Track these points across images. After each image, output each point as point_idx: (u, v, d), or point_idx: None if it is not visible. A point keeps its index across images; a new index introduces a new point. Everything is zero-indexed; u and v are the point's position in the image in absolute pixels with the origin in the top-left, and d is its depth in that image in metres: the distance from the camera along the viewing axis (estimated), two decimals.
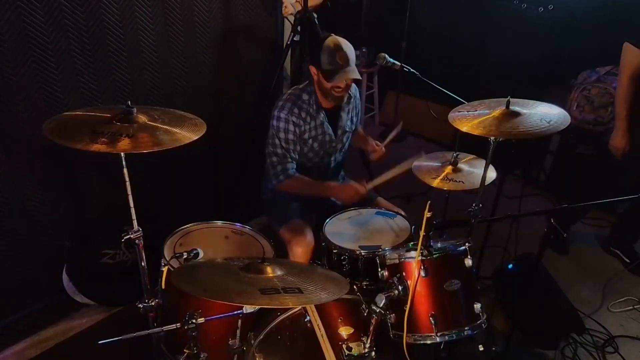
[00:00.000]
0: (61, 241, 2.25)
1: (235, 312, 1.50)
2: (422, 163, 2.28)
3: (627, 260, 2.96)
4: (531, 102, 1.84)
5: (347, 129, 2.31)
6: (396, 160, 2.27)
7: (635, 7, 2.45)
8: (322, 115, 2.18)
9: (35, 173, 2.08)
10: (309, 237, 2.10)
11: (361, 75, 4.38)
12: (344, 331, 1.57)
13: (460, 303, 1.62)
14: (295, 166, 2.19)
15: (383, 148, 2.31)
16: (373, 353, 1.50)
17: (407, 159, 2.12)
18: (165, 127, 1.51)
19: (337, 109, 2.24)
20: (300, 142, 2.17)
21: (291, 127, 2.11)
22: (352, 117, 2.34)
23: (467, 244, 1.67)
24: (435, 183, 2.11)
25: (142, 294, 1.68)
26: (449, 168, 2.17)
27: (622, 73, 2.47)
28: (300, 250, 2.05)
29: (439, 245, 1.64)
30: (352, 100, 2.32)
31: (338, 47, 1.96)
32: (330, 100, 2.13)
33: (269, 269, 1.36)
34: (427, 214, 1.43)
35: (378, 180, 2.11)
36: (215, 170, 2.87)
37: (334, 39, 1.99)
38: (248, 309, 1.48)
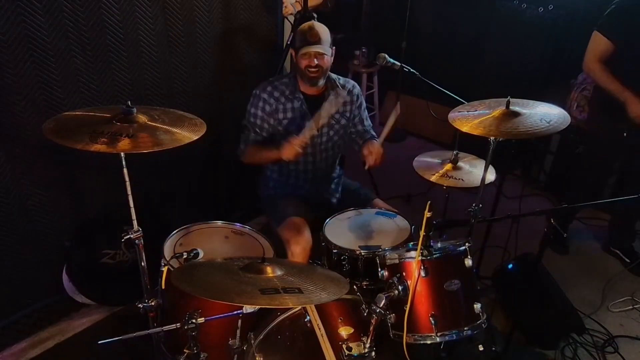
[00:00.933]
0: (61, 241, 2.25)
1: (235, 312, 1.50)
2: (422, 159, 2.28)
3: (627, 260, 2.96)
4: (531, 102, 1.84)
5: (333, 121, 2.26)
6: (397, 160, 2.28)
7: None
8: (299, 98, 2.19)
9: (35, 173, 2.08)
10: (307, 235, 2.10)
11: (361, 76, 4.45)
12: (344, 331, 1.57)
13: (460, 303, 1.62)
14: (257, 139, 2.24)
15: (379, 148, 2.17)
16: (373, 353, 1.50)
17: (406, 156, 2.10)
18: (165, 127, 1.51)
19: (321, 98, 2.21)
20: (274, 121, 2.20)
21: (260, 103, 2.18)
22: (343, 111, 2.29)
23: (467, 244, 1.67)
24: (435, 178, 2.11)
25: (142, 294, 1.68)
26: (448, 165, 2.18)
27: (590, 60, 2.53)
28: (298, 249, 2.05)
29: (439, 245, 1.64)
30: (345, 94, 2.26)
31: (311, 27, 2.08)
32: (306, 81, 2.15)
33: (269, 269, 1.37)
34: (427, 214, 1.43)
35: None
36: (215, 170, 2.87)
37: (309, 22, 2.12)
38: (248, 309, 1.48)
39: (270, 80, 2.24)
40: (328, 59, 2.11)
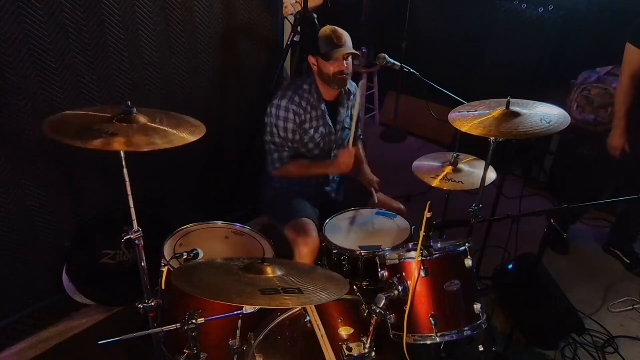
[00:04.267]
0: (61, 241, 2.25)
1: (235, 312, 1.50)
2: (422, 163, 2.28)
3: (627, 261, 2.96)
4: (531, 102, 1.84)
5: (346, 125, 2.32)
6: (397, 160, 2.28)
7: (636, 8, 2.47)
8: (322, 106, 2.19)
9: (35, 173, 2.08)
10: (314, 235, 2.09)
11: (361, 76, 4.45)
12: (344, 331, 1.57)
13: (460, 303, 1.62)
14: (291, 154, 2.21)
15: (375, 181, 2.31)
16: (373, 353, 1.50)
17: (406, 156, 2.11)
18: (164, 127, 1.51)
19: (337, 103, 2.25)
20: (301, 131, 2.18)
21: (291, 116, 2.13)
22: (351, 114, 2.34)
23: (467, 244, 1.67)
24: (435, 183, 2.11)
25: (142, 294, 1.68)
26: (448, 168, 2.17)
27: (622, 72, 2.50)
28: (306, 249, 2.04)
29: (439, 245, 1.64)
30: (352, 97, 2.33)
31: (333, 30, 2.06)
32: (334, 86, 2.14)
33: (269, 269, 1.37)
34: (427, 214, 1.43)
35: (352, 132, 2.17)
36: (215, 171, 2.87)
37: (328, 26, 2.10)
38: (248, 309, 1.48)
39: (288, 87, 2.19)
40: (351, 61, 2.11)
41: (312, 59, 2.13)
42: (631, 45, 2.42)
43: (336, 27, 2.08)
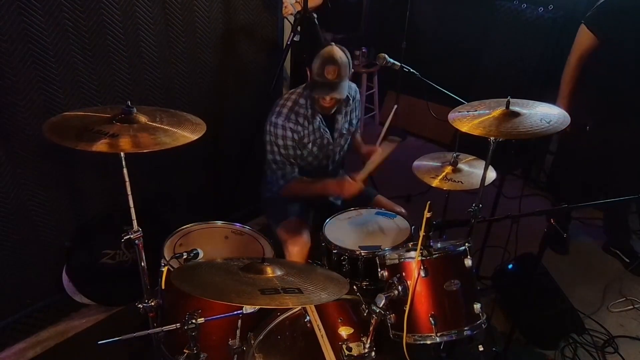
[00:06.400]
0: (61, 241, 2.25)
1: (235, 312, 1.50)
2: (422, 163, 2.28)
3: (627, 260, 2.96)
4: (531, 102, 1.84)
5: (344, 132, 2.30)
6: (397, 160, 2.28)
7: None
8: (318, 119, 2.16)
9: (35, 173, 2.08)
10: (305, 236, 2.09)
11: (361, 75, 4.46)
12: (344, 331, 1.57)
13: (460, 303, 1.62)
14: (297, 170, 2.18)
15: (379, 148, 2.23)
16: (373, 353, 1.50)
17: (406, 156, 2.10)
18: (165, 127, 1.51)
19: (334, 112, 2.22)
20: (300, 146, 2.16)
21: (289, 134, 2.09)
22: (350, 119, 2.32)
23: (467, 244, 1.66)
24: (435, 183, 2.11)
25: (142, 294, 1.68)
26: (448, 168, 2.17)
27: (572, 53, 2.55)
28: (295, 249, 2.04)
29: (439, 245, 1.64)
30: (351, 102, 2.30)
31: (330, 60, 1.92)
32: (318, 109, 2.11)
33: (268, 269, 1.37)
34: (427, 214, 1.43)
35: (365, 171, 2.10)
36: (215, 171, 2.87)
37: (330, 49, 1.96)
38: (248, 309, 1.48)
39: (286, 104, 2.11)
40: (345, 92, 2.02)
41: (308, 70, 2.04)
42: (585, 27, 2.46)
43: (335, 55, 1.93)
